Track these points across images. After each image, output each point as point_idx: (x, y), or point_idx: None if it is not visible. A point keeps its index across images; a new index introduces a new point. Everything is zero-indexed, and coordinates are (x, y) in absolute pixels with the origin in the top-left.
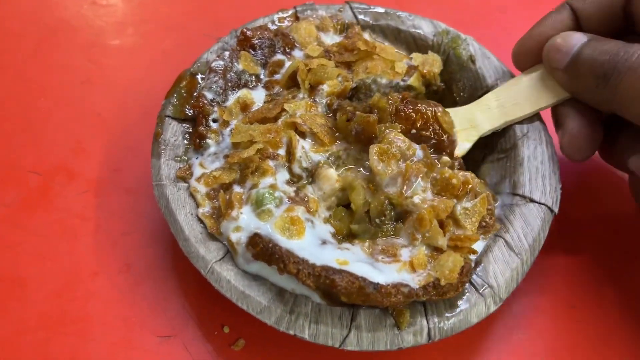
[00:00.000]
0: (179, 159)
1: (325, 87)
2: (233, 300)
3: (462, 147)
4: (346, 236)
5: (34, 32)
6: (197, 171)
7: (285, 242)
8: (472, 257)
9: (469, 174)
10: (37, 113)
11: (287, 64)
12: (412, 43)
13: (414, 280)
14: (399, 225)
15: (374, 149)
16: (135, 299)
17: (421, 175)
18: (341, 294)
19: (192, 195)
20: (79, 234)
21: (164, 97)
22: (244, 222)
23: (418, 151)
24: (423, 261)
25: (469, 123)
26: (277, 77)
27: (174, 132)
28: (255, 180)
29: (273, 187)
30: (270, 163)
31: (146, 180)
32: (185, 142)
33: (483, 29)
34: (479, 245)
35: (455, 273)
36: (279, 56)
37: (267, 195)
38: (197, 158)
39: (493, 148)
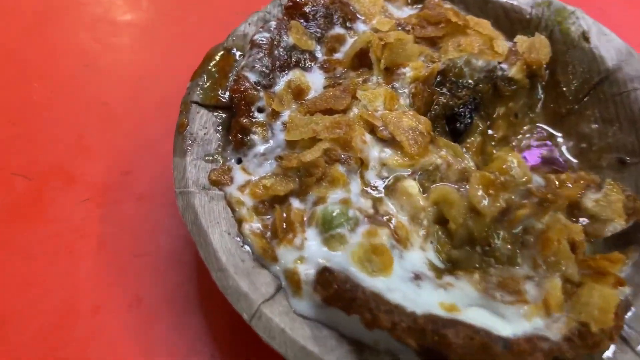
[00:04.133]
0: (210, 158)
1: (408, 71)
2: (288, 359)
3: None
4: (446, 266)
5: (28, 4)
6: (240, 177)
7: (367, 280)
8: (624, 290)
9: None
10: (29, 101)
11: (350, 40)
12: (503, 17)
13: (552, 329)
14: (516, 250)
15: (475, 177)
16: (147, 343)
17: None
18: (453, 354)
19: (231, 207)
20: (78, 256)
21: (187, 80)
22: (310, 251)
23: (536, 178)
24: (560, 299)
25: None
26: (338, 56)
27: (204, 123)
28: (322, 192)
29: (346, 202)
30: (341, 169)
31: (164, 186)
32: (219, 136)
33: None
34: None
35: (610, 313)
36: (338, 29)
37: (338, 214)
38: (237, 159)
39: None
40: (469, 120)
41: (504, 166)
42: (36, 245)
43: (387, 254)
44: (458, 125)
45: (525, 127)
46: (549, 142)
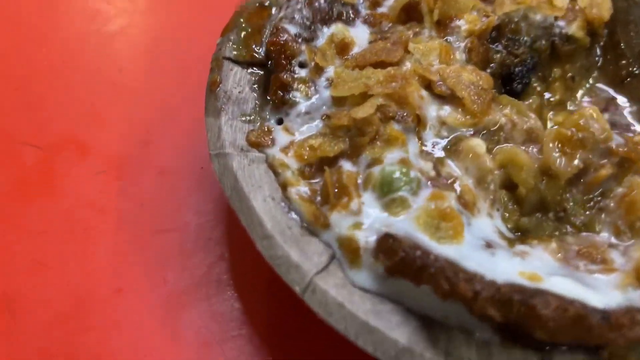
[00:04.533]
0: (247, 118)
1: (463, 24)
2: (349, 337)
3: None
4: (515, 235)
5: None
6: (282, 138)
7: (437, 247)
8: None
9: None
10: (38, 67)
11: None
12: None
13: None
14: (594, 215)
15: (550, 134)
16: (175, 328)
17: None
18: (540, 328)
19: (274, 171)
20: (95, 233)
21: (209, 43)
22: (368, 216)
23: (615, 137)
24: None
25: None
26: (382, 10)
27: (238, 81)
28: (377, 152)
29: (405, 162)
30: (396, 127)
31: (188, 157)
32: (255, 95)
33: None
34: None
35: None
36: None
37: (399, 176)
38: (278, 119)
39: None
40: (527, 81)
41: (581, 122)
42: (48, 221)
43: (457, 219)
44: (515, 85)
45: (581, 90)
46: (610, 106)
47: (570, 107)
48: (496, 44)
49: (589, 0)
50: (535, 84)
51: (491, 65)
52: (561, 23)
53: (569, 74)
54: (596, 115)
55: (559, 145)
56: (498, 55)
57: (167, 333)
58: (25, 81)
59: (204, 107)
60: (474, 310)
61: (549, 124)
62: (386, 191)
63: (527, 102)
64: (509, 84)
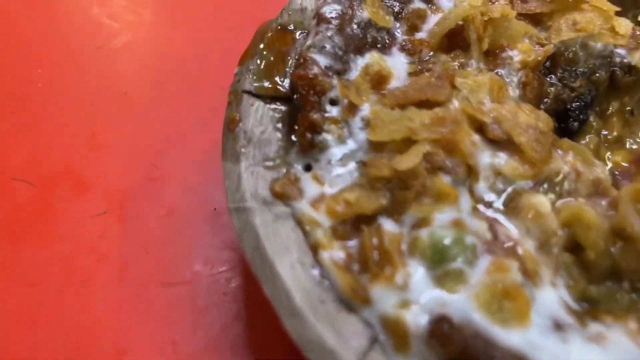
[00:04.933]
0: (270, 164)
1: (516, 55)
2: None
3: None
4: (581, 307)
5: None
6: (312, 188)
7: (500, 334)
8: None
9: None
10: (33, 90)
11: (432, 17)
12: None
13: None
14: None
15: (628, 192)
16: None
17: None
18: None
19: (302, 229)
20: (94, 284)
21: (222, 64)
22: (418, 292)
23: None
24: None
25: None
26: (420, 35)
27: (260, 119)
28: (425, 211)
29: (458, 225)
30: (445, 179)
31: (199, 196)
32: (279, 135)
33: None
34: None
35: None
36: (419, 3)
37: (452, 242)
38: (306, 165)
39: None
40: (584, 118)
41: None
42: (41, 271)
43: (522, 297)
44: (571, 123)
45: None
46: None
47: (629, 145)
48: (550, 75)
49: None
50: (592, 120)
51: (545, 100)
52: (621, 51)
53: (628, 108)
54: None
55: (637, 204)
56: (552, 89)
57: None
58: (18, 106)
59: (216, 135)
60: None
61: (608, 165)
62: (438, 261)
63: (583, 142)
64: (565, 121)
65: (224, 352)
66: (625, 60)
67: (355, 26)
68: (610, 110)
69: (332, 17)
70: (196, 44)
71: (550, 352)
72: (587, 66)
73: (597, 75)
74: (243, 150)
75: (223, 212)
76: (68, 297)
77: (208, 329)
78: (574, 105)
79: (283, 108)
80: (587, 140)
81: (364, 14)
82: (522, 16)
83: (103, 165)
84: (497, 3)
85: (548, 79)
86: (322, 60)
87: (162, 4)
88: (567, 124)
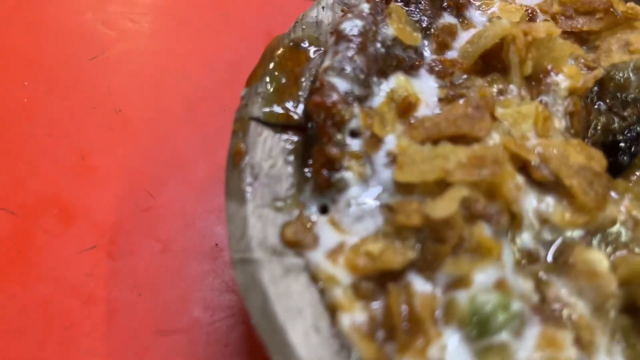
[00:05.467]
0: (281, 204)
1: (563, 80)
2: None
3: None
4: None
5: None
6: (329, 236)
7: None
8: None
9: None
10: (18, 106)
11: (463, 34)
12: None
13: None
14: None
15: None
16: None
17: None
18: None
19: (316, 284)
20: (79, 332)
21: (226, 92)
22: None
23: None
24: None
25: None
26: (451, 54)
27: (269, 151)
28: (464, 269)
29: (503, 287)
30: (486, 230)
31: (198, 230)
32: (291, 169)
33: None
34: None
35: None
36: (449, 18)
37: (496, 308)
38: (321, 206)
39: None
40: (636, 150)
41: None
42: (21, 314)
43: None
44: (621, 156)
45: None
46: None
47: None
48: (597, 102)
49: None
50: None
51: (592, 131)
52: None
53: None
54: None
55: None
56: (600, 118)
57: None
58: (0, 123)
59: (220, 159)
60: None
61: None
62: (480, 333)
63: (634, 177)
64: (614, 154)
65: None
66: None
67: (379, 45)
68: None
69: (353, 35)
70: (200, 56)
71: None
72: (638, 92)
73: None
74: (249, 188)
75: (225, 247)
76: (50, 346)
77: None
78: (624, 136)
79: (295, 138)
80: (638, 175)
81: (389, 30)
82: (566, 34)
83: (92, 193)
84: (538, 20)
85: (595, 107)
86: (342, 85)
87: (164, 12)
88: (616, 157)
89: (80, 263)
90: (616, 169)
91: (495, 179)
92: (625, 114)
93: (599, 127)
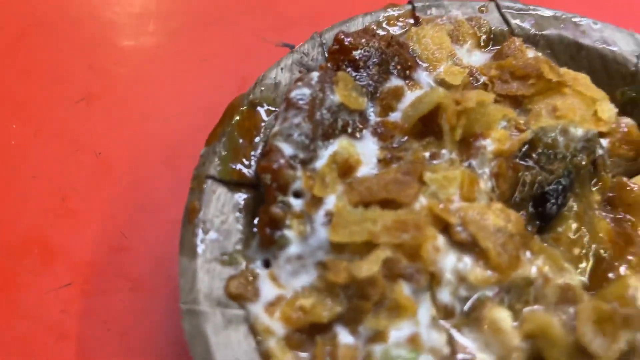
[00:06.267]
0: (228, 258)
1: (489, 144)
2: None
3: None
4: None
5: (11, 22)
6: (268, 290)
7: None
8: None
9: None
10: (5, 148)
11: (409, 94)
12: (600, 68)
13: None
14: None
15: (585, 310)
16: None
17: None
18: None
19: (255, 336)
20: None
21: (202, 136)
22: None
23: None
24: None
25: None
26: (395, 116)
27: (221, 208)
28: (381, 324)
29: (415, 342)
30: (406, 289)
31: (167, 271)
32: (240, 226)
33: None
34: None
35: None
36: (395, 81)
37: None
38: (265, 260)
39: None
40: (562, 201)
41: (626, 294)
42: (1, 349)
43: None
44: (549, 207)
45: None
46: None
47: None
48: (526, 159)
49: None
50: (573, 203)
51: (521, 188)
52: (604, 142)
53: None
54: None
55: (597, 323)
56: (529, 174)
57: None
58: None
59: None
60: None
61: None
62: None
63: (561, 228)
64: (542, 204)
65: None
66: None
67: (325, 111)
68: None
69: (301, 103)
70: (178, 101)
71: None
72: (567, 149)
73: (577, 158)
74: (201, 244)
75: None
76: None
77: None
78: (551, 187)
79: (245, 195)
80: (566, 226)
81: (336, 97)
82: (502, 97)
83: (71, 233)
84: (481, 81)
85: (524, 162)
86: (288, 150)
87: (147, 57)
88: (544, 207)
89: (56, 300)
90: (545, 218)
91: (416, 242)
92: (553, 167)
93: (527, 182)
